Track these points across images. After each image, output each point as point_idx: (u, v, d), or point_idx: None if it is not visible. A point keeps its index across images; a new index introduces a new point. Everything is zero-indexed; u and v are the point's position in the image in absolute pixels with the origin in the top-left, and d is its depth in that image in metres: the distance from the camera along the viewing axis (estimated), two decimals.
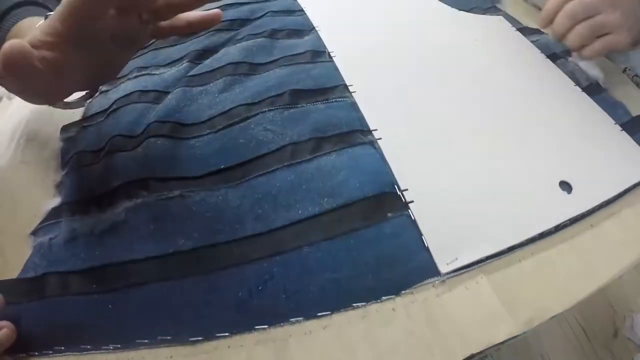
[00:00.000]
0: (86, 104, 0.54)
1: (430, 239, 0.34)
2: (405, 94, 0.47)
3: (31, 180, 0.49)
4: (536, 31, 0.59)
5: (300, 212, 0.35)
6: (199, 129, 0.44)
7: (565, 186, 0.37)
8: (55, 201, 0.43)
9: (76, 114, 0.56)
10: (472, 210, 0.36)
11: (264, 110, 0.44)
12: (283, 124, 0.42)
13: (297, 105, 0.44)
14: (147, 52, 0.61)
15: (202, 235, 0.34)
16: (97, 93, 0.57)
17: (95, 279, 0.34)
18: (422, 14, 0.63)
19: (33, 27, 0.46)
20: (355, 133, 0.41)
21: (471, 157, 0.40)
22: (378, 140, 0.40)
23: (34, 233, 0.40)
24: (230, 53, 0.53)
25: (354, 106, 0.44)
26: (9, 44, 0.29)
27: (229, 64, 0.51)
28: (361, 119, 0.43)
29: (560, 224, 0.35)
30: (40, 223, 0.40)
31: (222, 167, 0.39)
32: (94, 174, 0.43)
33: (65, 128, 0.53)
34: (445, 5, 0.64)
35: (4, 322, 0.32)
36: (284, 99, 0.45)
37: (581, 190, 0.37)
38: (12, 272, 0.38)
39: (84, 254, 0.36)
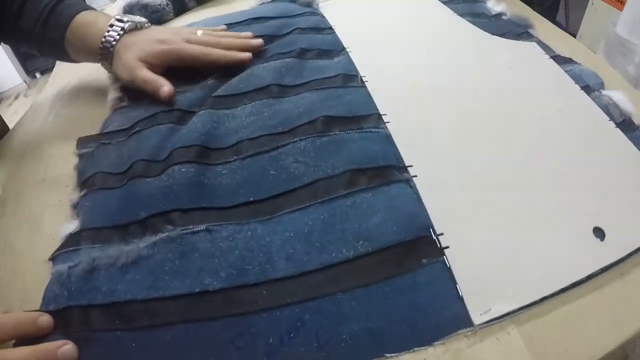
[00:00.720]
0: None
1: (464, 288, 0.33)
2: (442, 125, 0.47)
3: (49, 198, 0.49)
4: (569, 60, 0.58)
5: (334, 254, 0.35)
6: (225, 154, 0.44)
7: (599, 233, 0.37)
8: (73, 225, 0.43)
9: (94, 127, 0.56)
10: (506, 257, 0.35)
11: (295, 139, 0.43)
12: (316, 156, 0.42)
13: (330, 134, 0.44)
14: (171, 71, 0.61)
15: (230, 275, 0.34)
16: (116, 108, 0.57)
17: (118, 316, 0.34)
18: (457, 37, 0.62)
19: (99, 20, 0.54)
20: (391, 169, 0.41)
21: (507, 200, 0.39)
22: (413, 178, 0.40)
23: (53, 259, 0.40)
24: (258, 74, 0.53)
25: (388, 139, 0.44)
26: None
27: (257, 88, 0.51)
28: (396, 154, 0.42)
29: (591, 274, 0.35)
30: (59, 249, 0.40)
31: (251, 199, 0.39)
32: (115, 200, 0.43)
33: (81, 142, 0.53)
34: (479, 29, 0.63)
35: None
36: (316, 126, 0.45)
37: (614, 237, 0.36)
38: (32, 298, 0.38)
39: (106, 287, 0.35)
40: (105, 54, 0.56)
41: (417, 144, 0.44)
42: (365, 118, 0.46)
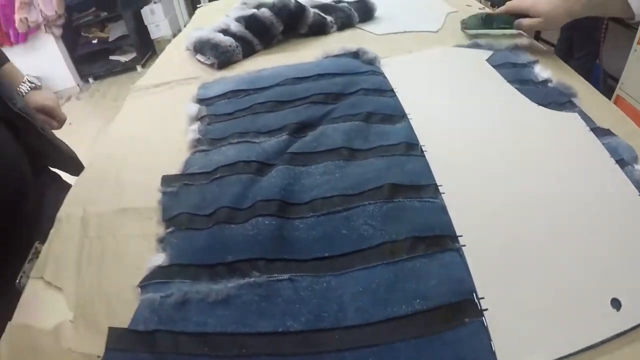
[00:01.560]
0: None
1: (497, 345, 0.40)
2: (488, 198, 0.54)
3: (133, 228, 0.59)
4: (608, 132, 0.65)
5: (395, 309, 0.43)
6: (302, 210, 0.53)
7: (616, 303, 0.43)
8: (160, 258, 0.51)
9: (172, 165, 0.66)
10: (535, 320, 0.42)
11: (364, 203, 0.52)
12: (382, 220, 0.50)
13: (395, 200, 0.52)
14: (245, 116, 0.71)
15: (309, 320, 0.42)
16: (195, 150, 0.67)
17: (207, 344, 0.42)
18: (506, 108, 0.70)
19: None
20: (444, 238, 0.49)
21: (540, 271, 0.46)
22: (462, 247, 0.48)
23: (142, 287, 0.48)
24: (330, 135, 0.62)
25: (443, 210, 0.52)
26: None
27: (329, 149, 0.60)
28: (449, 225, 0.50)
29: (605, 339, 0.41)
30: (149, 279, 0.49)
31: (326, 255, 0.47)
32: (202, 241, 0.52)
33: (166, 180, 0.62)
34: (527, 99, 0.71)
35: None
36: (383, 192, 0.53)
37: (629, 308, 0.43)
38: (116, 316, 0.47)
39: (196, 318, 0.44)
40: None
41: (467, 215, 0.51)
42: (425, 188, 0.54)
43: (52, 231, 0.62)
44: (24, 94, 0.92)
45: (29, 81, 0.93)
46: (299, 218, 0.52)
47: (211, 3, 1.64)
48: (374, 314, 0.43)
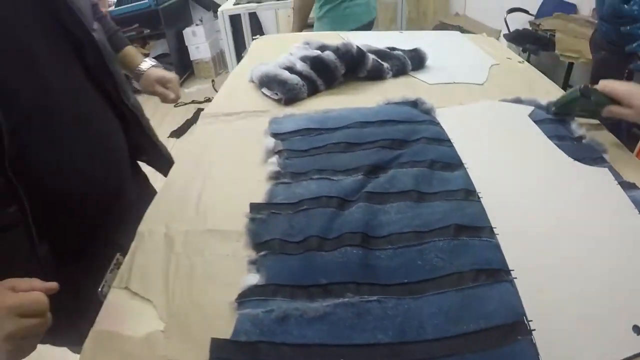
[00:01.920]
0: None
1: (543, 357, 0.51)
2: (534, 238, 0.66)
3: (222, 249, 0.69)
4: (633, 186, 0.77)
5: (464, 327, 0.54)
6: (382, 242, 0.64)
7: (637, 329, 0.54)
8: (255, 278, 0.62)
9: (253, 193, 0.78)
10: (572, 339, 0.53)
11: (434, 239, 0.64)
12: (450, 254, 0.62)
13: (459, 238, 0.64)
14: (320, 154, 0.83)
15: (395, 334, 0.53)
16: (278, 182, 0.79)
17: (307, 354, 0.53)
18: (546, 161, 0.83)
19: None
20: (500, 272, 0.60)
21: (576, 300, 0.57)
22: (514, 279, 0.59)
23: (239, 303, 0.59)
24: (400, 179, 0.74)
25: (497, 248, 0.63)
26: None
27: (400, 191, 0.72)
28: (503, 260, 0.61)
29: (626, 358, 0.52)
30: (246, 296, 0.59)
31: (405, 281, 0.59)
32: (296, 265, 0.63)
33: (254, 207, 0.74)
34: (564, 154, 0.83)
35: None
36: (449, 231, 0.65)
37: None
38: (213, 327, 0.56)
39: (296, 332, 0.55)
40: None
41: (517, 253, 0.63)
42: (482, 229, 0.66)
43: (133, 244, 0.72)
44: (144, 70, 1.10)
45: (150, 60, 1.12)
46: (379, 249, 0.64)
47: (268, 36, 1.78)
48: (448, 330, 0.54)
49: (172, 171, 0.92)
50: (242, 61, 1.50)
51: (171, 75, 1.13)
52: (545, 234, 0.67)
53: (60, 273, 0.71)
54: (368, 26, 2.72)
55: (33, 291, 0.59)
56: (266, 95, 1.15)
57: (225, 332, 0.56)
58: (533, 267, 0.62)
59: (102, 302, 0.63)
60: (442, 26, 4.96)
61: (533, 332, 0.54)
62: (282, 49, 1.35)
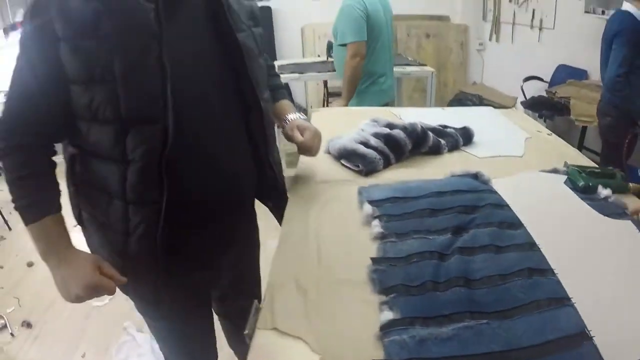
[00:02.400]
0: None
1: (605, 355, 0.78)
2: (584, 274, 0.94)
3: (353, 295, 0.94)
4: None
5: (542, 337, 0.81)
6: (478, 283, 0.92)
7: None
8: (390, 314, 0.87)
9: (365, 249, 1.06)
10: (621, 345, 0.80)
11: (515, 279, 0.92)
12: (528, 289, 0.90)
13: (532, 278, 0.92)
14: (413, 218, 1.12)
15: (503, 345, 0.80)
16: (386, 242, 1.07)
17: None
18: (586, 219, 1.12)
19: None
20: (563, 299, 0.87)
21: (623, 306, 0.85)
22: (574, 304, 0.87)
23: (385, 333, 0.84)
24: (480, 237, 1.03)
25: (559, 283, 0.91)
26: None
27: (482, 245, 1.01)
28: (564, 291, 0.89)
29: None
30: (390, 327, 0.85)
31: (502, 309, 0.87)
32: (422, 302, 0.90)
33: (376, 261, 1.01)
34: (597, 212, 1.13)
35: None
36: (524, 273, 0.93)
37: None
38: (361, 354, 0.79)
39: (434, 349, 0.80)
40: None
41: (573, 284, 0.90)
42: (546, 270, 0.94)
43: (265, 292, 0.96)
44: (291, 120, 1.36)
45: (300, 114, 1.40)
46: (478, 288, 0.92)
47: (324, 109, 2.11)
48: (535, 340, 0.81)
49: (284, 228, 1.19)
50: None
51: (311, 126, 1.35)
52: (592, 269, 0.96)
53: (172, 275, 1.13)
54: (393, 101, 3.28)
55: (110, 279, 1.02)
56: (345, 166, 1.45)
57: (375, 356, 0.79)
58: (586, 293, 0.90)
59: (247, 344, 0.83)
60: (462, 95, 5.38)
61: (593, 338, 0.80)
62: (340, 121, 1.72)
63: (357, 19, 2.88)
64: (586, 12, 4.05)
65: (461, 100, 5.24)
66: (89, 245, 1.23)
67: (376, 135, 1.47)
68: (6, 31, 6.63)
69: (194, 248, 1.20)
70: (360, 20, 2.89)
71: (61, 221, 1.06)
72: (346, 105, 2.97)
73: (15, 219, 5.12)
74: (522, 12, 5.20)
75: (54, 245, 1.04)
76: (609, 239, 1.06)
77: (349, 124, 1.72)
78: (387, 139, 1.44)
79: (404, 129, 1.45)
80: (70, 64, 0.96)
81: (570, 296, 0.89)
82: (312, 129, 1.32)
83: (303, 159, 1.51)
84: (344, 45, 2.97)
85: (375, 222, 1.14)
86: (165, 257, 1.10)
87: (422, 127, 1.46)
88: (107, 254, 1.14)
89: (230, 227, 1.29)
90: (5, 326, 3.04)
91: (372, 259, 1.02)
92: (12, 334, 2.85)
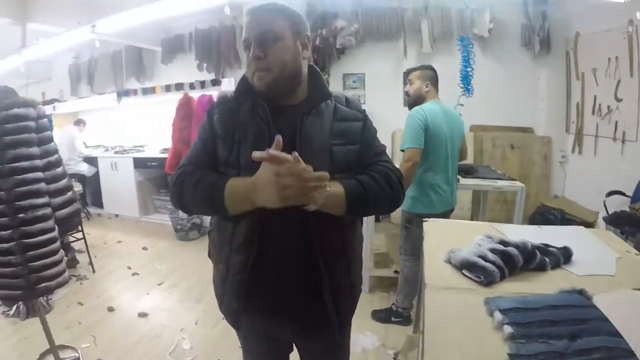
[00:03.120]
0: None
1: None
2: None
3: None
4: None
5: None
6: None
7: None
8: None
9: (497, 343, 1.44)
10: None
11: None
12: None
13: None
14: (536, 327, 1.50)
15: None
16: (517, 341, 1.46)
17: None
18: None
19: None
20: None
21: None
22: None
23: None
24: (593, 342, 1.40)
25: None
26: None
27: (595, 347, 1.38)
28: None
29: None
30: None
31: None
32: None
33: (512, 357, 1.39)
34: None
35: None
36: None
37: None
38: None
39: None
40: None
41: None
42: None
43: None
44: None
45: None
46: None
47: (435, 221, 2.54)
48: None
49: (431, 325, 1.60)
50: (425, 243, 2.23)
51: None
52: None
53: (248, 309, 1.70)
54: (447, 211, 3.76)
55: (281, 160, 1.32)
56: (466, 276, 1.84)
57: None
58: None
59: None
60: (545, 208, 5.62)
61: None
62: (453, 232, 2.19)
63: (416, 128, 3.38)
64: None
65: (543, 214, 5.47)
66: (213, 276, 1.84)
67: (493, 250, 1.86)
68: (119, 95, 7.71)
69: (267, 298, 1.69)
70: (419, 129, 3.38)
71: (234, 178, 1.54)
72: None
73: (100, 262, 5.89)
74: (605, 124, 5.38)
75: (244, 186, 1.47)
76: None
77: (460, 235, 2.19)
78: (503, 255, 1.83)
79: (517, 246, 1.84)
80: (218, 151, 1.63)
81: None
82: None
83: (429, 266, 1.94)
84: (403, 150, 3.46)
85: (507, 327, 1.52)
86: (246, 294, 1.66)
87: (532, 245, 1.85)
88: (218, 282, 1.78)
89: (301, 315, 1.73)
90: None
91: (509, 354, 1.40)
92: None
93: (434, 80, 3.65)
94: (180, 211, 6.43)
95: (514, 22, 6.21)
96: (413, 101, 3.70)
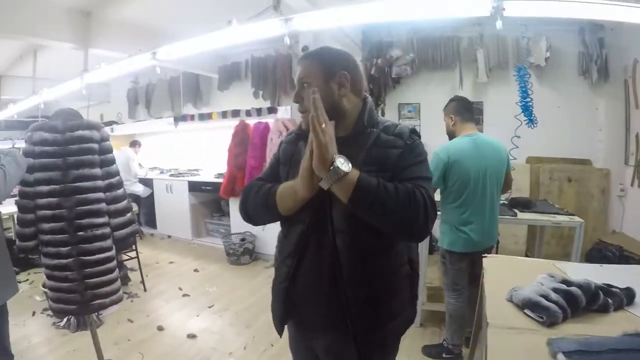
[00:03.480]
0: None
1: None
2: None
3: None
4: None
5: None
6: None
7: None
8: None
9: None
10: None
11: None
12: None
13: None
14: None
15: None
16: None
17: None
18: None
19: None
20: None
21: None
22: None
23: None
24: None
25: None
26: None
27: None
28: None
29: None
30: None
31: None
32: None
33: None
34: None
35: None
36: None
37: None
38: None
39: None
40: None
41: None
42: None
43: None
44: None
45: None
46: None
47: (495, 257, 2.58)
48: None
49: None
50: (485, 279, 2.28)
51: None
52: None
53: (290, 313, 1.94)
54: (489, 249, 3.75)
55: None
56: (529, 316, 1.88)
57: None
58: None
59: None
60: (602, 245, 5.45)
61: None
62: (511, 268, 2.26)
63: (433, 167, 3.41)
64: None
65: (601, 250, 5.31)
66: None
67: (556, 290, 1.89)
68: (176, 120, 8.04)
69: (304, 310, 1.89)
70: (435, 169, 3.45)
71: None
72: None
73: (151, 282, 6.09)
74: None
75: (291, 182, 1.75)
76: None
77: (520, 272, 2.26)
78: (566, 295, 1.86)
79: (580, 286, 1.87)
80: (280, 173, 1.96)
81: None
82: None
83: (490, 304, 1.99)
84: None
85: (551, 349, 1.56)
86: (288, 302, 1.88)
87: (595, 285, 1.87)
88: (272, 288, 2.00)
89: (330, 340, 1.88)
90: None
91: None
92: None
93: (458, 110, 3.66)
94: (232, 235, 7.15)
95: (571, 50, 6.09)
96: (450, 139, 3.72)
